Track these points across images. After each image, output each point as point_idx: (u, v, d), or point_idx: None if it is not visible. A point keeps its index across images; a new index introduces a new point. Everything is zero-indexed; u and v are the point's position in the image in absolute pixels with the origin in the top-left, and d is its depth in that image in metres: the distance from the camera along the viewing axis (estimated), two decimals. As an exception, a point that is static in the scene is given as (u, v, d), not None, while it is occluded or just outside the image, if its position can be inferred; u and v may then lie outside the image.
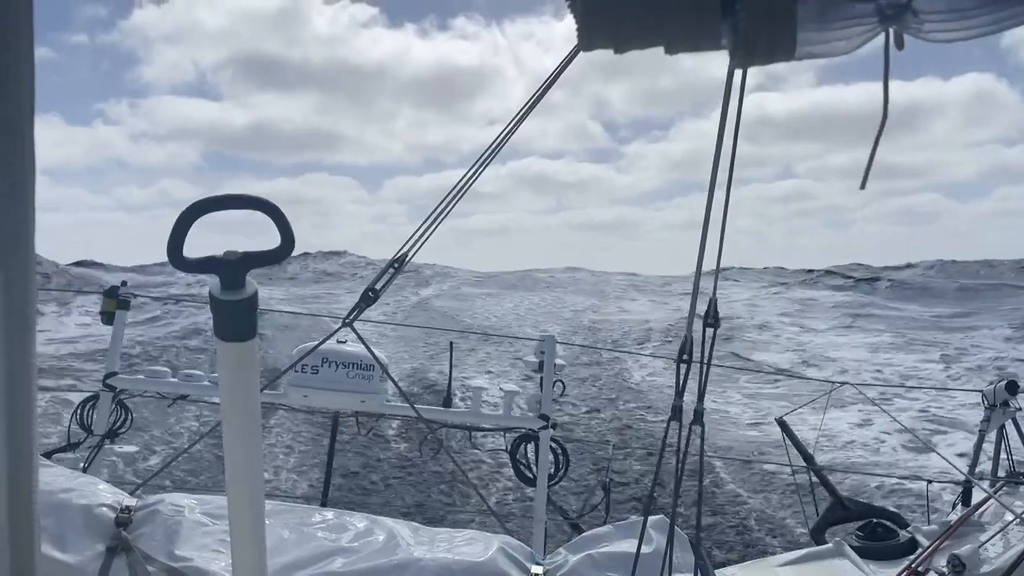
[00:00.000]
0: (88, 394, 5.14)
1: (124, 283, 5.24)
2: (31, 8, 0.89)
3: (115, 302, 5.07)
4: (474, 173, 3.31)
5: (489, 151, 3.15)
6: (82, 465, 4.61)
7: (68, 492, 3.12)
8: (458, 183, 3.44)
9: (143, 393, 5.26)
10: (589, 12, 1.20)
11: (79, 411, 5.03)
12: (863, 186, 1.70)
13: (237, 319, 1.48)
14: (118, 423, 5.08)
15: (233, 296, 1.44)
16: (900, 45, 1.47)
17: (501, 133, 3.07)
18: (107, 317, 5.10)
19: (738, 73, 1.89)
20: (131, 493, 3.43)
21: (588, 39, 1.23)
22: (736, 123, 1.79)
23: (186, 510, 3.22)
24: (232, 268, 1.43)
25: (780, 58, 1.22)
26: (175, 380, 5.26)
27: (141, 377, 5.25)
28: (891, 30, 1.43)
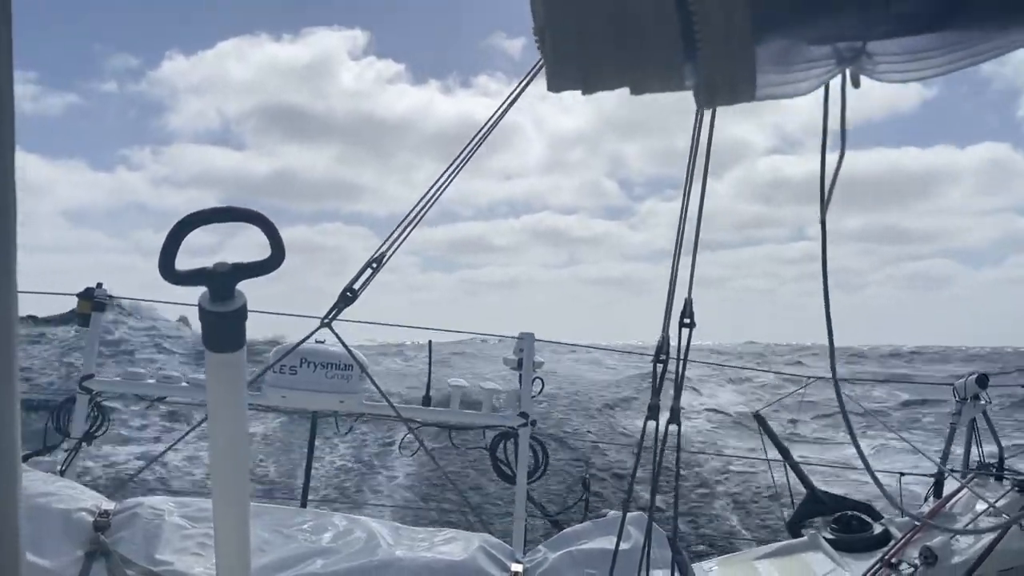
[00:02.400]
0: (65, 396, 5.10)
1: (100, 284, 5.20)
2: (9, 34, 0.89)
3: (90, 304, 5.02)
4: (449, 176, 3.33)
5: (456, 163, 3.19)
6: (59, 468, 4.57)
7: (46, 496, 3.10)
8: (433, 185, 3.47)
9: (120, 395, 5.22)
10: (557, 53, 1.23)
11: (56, 414, 4.99)
12: (824, 210, 1.79)
13: (226, 330, 1.49)
14: (95, 426, 5.04)
15: (222, 308, 1.46)
16: (856, 84, 1.53)
17: (463, 150, 3.10)
18: (82, 319, 5.05)
19: (707, 113, 1.95)
20: (109, 496, 3.42)
21: (556, 80, 1.26)
22: (707, 156, 1.87)
23: (165, 513, 3.21)
24: (222, 280, 1.44)
25: (742, 99, 1.26)
26: (152, 382, 5.23)
27: (118, 379, 5.21)
28: (847, 71, 1.48)
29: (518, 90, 2.68)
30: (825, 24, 1.29)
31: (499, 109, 2.89)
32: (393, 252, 3.89)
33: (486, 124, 3.08)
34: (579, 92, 1.30)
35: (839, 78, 1.52)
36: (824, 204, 1.81)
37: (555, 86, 1.29)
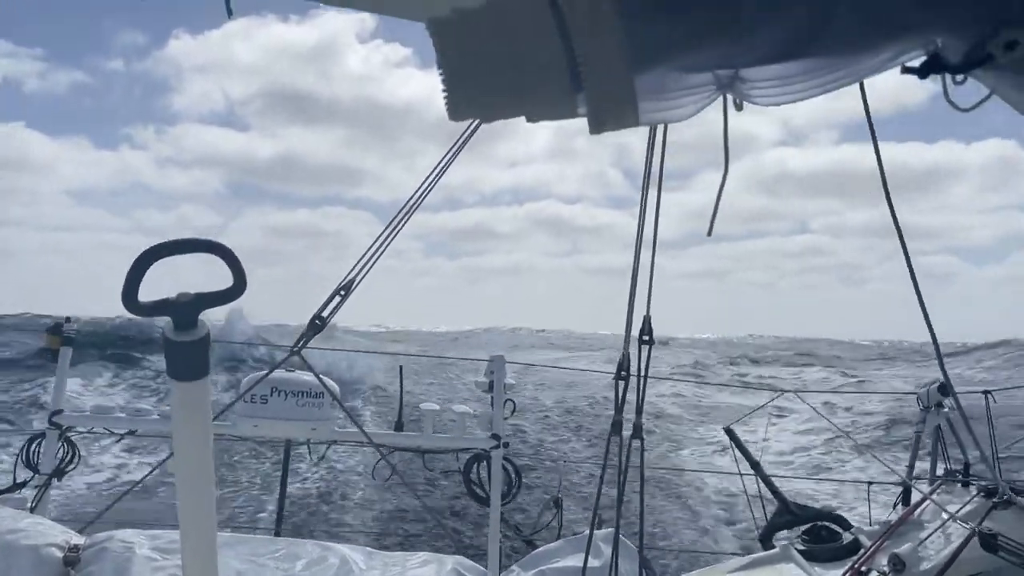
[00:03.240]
0: (34, 432, 5.05)
1: (68, 319, 5.17)
2: None
3: (59, 339, 4.99)
4: (415, 202, 3.38)
5: (415, 199, 3.27)
6: (29, 505, 4.53)
7: (15, 533, 3.08)
8: (402, 208, 3.52)
9: (91, 430, 5.18)
10: (454, 85, 1.31)
11: (25, 450, 4.94)
12: (710, 233, 1.92)
13: (190, 359, 1.52)
14: (65, 461, 4.99)
15: (186, 337, 1.49)
16: (739, 107, 1.64)
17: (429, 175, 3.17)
18: (51, 355, 5.02)
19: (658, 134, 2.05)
20: (79, 531, 3.40)
21: (455, 110, 1.34)
22: (659, 176, 1.95)
23: (135, 546, 3.20)
24: (185, 310, 1.47)
25: (627, 125, 1.35)
26: (123, 416, 5.20)
27: (88, 414, 5.18)
28: (728, 96, 1.59)
29: (452, 152, 2.80)
30: (698, 54, 1.39)
31: (436, 169, 3.02)
32: (361, 279, 3.93)
33: (424, 182, 3.20)
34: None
35: (721, 102, 1.64)
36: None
37: (455, 116, 1.38)
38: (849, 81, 1.43)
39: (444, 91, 1.34)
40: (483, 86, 1.33)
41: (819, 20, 1.33)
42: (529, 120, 1.37)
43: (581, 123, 1.52)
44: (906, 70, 1.42)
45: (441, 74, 1.33)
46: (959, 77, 1.46)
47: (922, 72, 1.40)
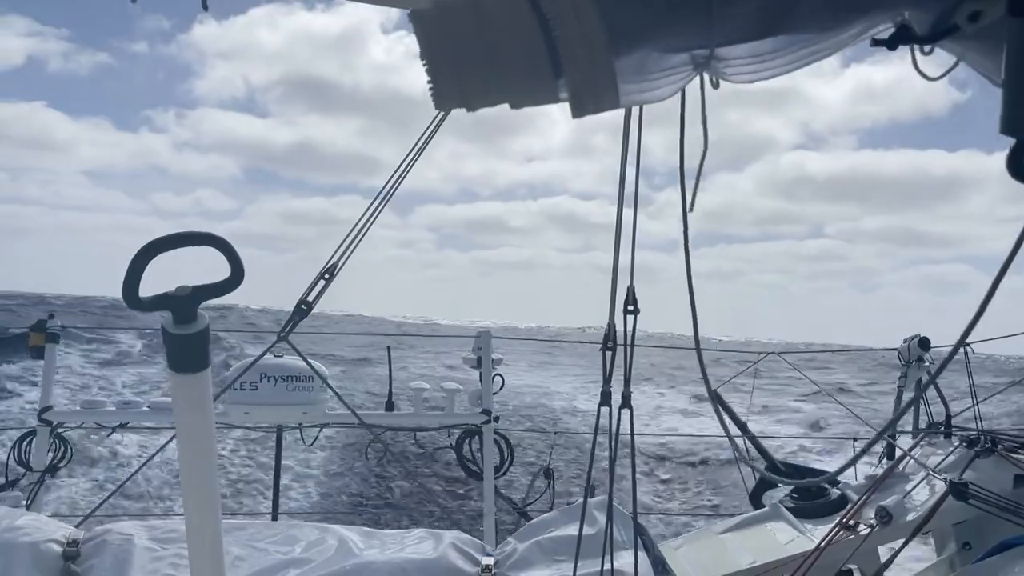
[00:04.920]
0: (25, 430, 5.05)
1: (51, 315, 5.15)
2: None
3: (44, 336, 4.98)
4: (390, 189, 3.40)
5: (389, 187, 3.28)
6: (24, 502, 4.54)
7: (12, 531, 3.09)
8: (379, 193, 3.53)
9: (81, 425, 5.18)
10: (437, 76, 1.34)
11: (17, 448, 4.94)
12: (691, 208, 1.97)
13: (190, 352, 1.54)
14: (57, 457, 5.00)
15: (185, 330, 1.51)
16: (715, 85, 1.68)
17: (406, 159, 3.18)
18: (36, 352, 5.00)
19: (635, 111, 2.08)
20: (77, 526, 3.41)
21: (440, 100, 1.37)
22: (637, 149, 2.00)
23: (134, 537, 3.21)
24: (184, 303, 1.49)
25: (607, 107, 1.38)
26: (113, 409, 5.20)
27: (77, 409, 5.17)
28: (705, 75, 1.62)
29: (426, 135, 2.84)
30: (673, 36, 1.42)
31: (413, 149, 3.04)
32: (344, 262, 3.95)
33: (403, 162, 3.22)
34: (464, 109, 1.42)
35: (698, 81, 1.68)
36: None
37: (441, 105, 1.41)
38: (822, 55, 1.47)
39: (428, 81, 1.37)
40: (466, 76, 1.35)
41: None
42: (513, 107, 1.40)
43: (600, 118, 1.55)
44: (876, 42, 1.45)
45: (425, 65, 1.35)
46: (927, 48, 1.50)
47: (891, 44, 1.43)
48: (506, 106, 1.42)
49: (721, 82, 1.68)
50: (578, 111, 1.39)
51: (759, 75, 1.52)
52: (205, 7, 1.95)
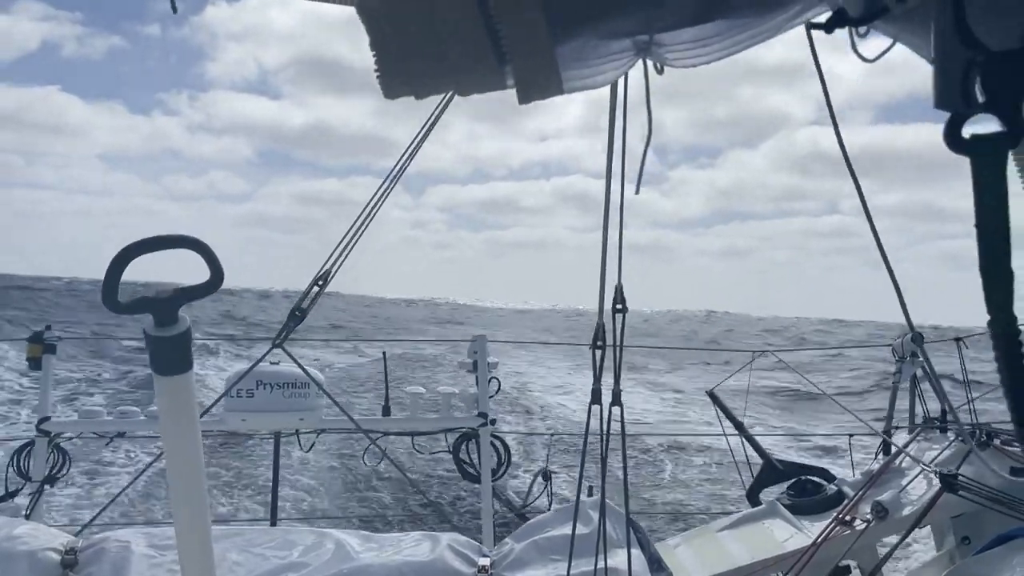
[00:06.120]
0: (23, 441, 5.06)
1: (48, 327, 5.17)
2: None
3: (41, 347, 4.99)
4: (386, 189, 3.41)
5: (392, 176, 3.29)
6: (24, 513, 4.55)
7: (11, 540, 3.10)
8: (371, 198, 3.54)
9: (79, 435, 5.19)
10: (385, 65, 1.37)
11: (15, 458, 4.95)
12: (636, 191, 2.01)
13: (172, 354, 1.56)
14: (56, 467, 5.01)
15: (167, 332, 1.52)
16: (660, 71, 1.72)
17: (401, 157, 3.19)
18: (34, 363, 5.01)
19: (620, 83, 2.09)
20: (76, 534, 3.42)
21: (388, 88, 1.40)
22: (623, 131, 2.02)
23: (133, 544, 3.22)
24: (164, 306, 1.51)
25: (552, 94, 1.42)
26: (110, 419, 5.21)
27: (75, 418, 5.18)
28: (647, 60, 1.65)
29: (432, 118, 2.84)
30: (614, 22, 1.45)
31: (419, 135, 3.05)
32: (337, 269, 3.96)
33: (410, 146, 3.22)
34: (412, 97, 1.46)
35: (641, 66, 1.71)
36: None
37: (389, 94, 1.44)
38: (761, 39, 1.50)
39: (376, 71, 1.39)
40: (413, 65, 1.38)
41: None
42: (459, 94, 1.43)
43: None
44: (813, 26, 1.49)
45: (373, 55, 1.38)
46: (862, 30, 1.53)
47: (828, 27, 1.48)
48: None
49: (665, 68, 1.71)
50: (524, 98, 1.42)
51: (700, 59, 1.55)
52: (174, 8, 1.96)
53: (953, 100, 1.07)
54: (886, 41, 1.61)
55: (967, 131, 1.02)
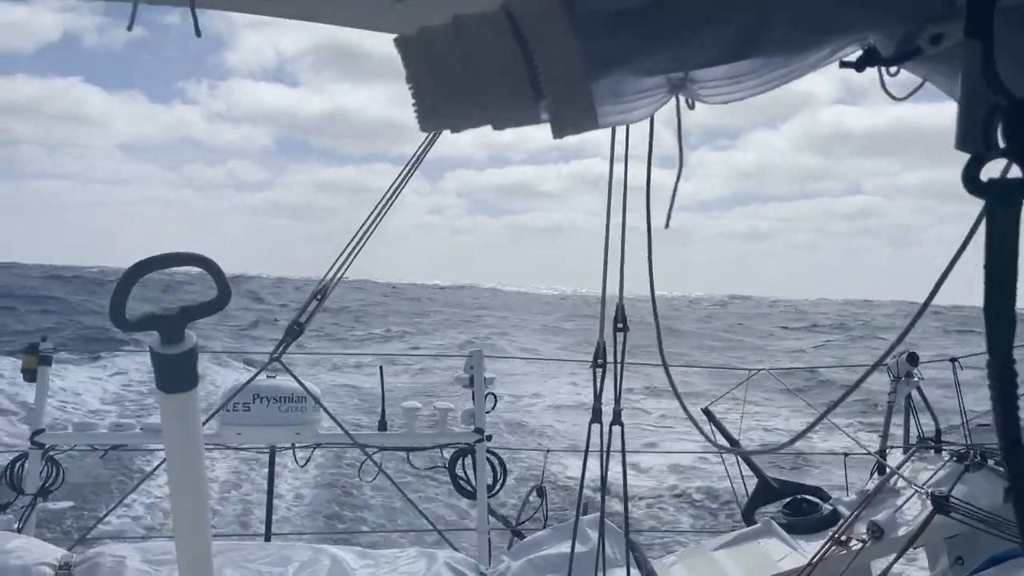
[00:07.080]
0: (16, 453, 5.03)
1: (44, 338, 5.15)
2: None
3: (36, 359, 4.97)
4: (382, 209, 3.43)
5: (387, 198, 3.32)
6: (16, 526, 4.52)
7: (5, 554, 3.09)
8: (370, 215, 3.56)
9: (74, 447, 5.17)
10: (422, 99, 1.39)
11: (8, 471, 4.92)
12: (667, 225, 2.04)
13: (178, 372, 1.56)
14: (49, 480, 4.98)
15: (173, 350, 1.53)
16: (691, 107, 1.76)
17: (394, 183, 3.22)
18: (29, 375, 4.99)
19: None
20: (70, 548, 3.41)
21: (424, 122, 1.42)
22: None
23: (127, 559, 3.22)
24: (171, 323, 1.51)
25: (586, 129, 1.45)
26: (105, 431, 5.19)
27: (70, 431, 5.16)
28: (680, 96, 1.68)
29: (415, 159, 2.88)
30: (649, 60, 1.47)
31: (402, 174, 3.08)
32: (336, 283, 3.97)
33: (394, 183, 3.26)
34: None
35: (674, 102, 1.74)
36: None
37: (426, 128, 1.46)
38: (793, 77, 1.52)
39: (414, 104, 1.41)
40: (450, 99, 1.40)
41: (759, 24, 1.41)
42: (495, 128, 1.45)
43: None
44: (844, 64, 1.50)
45: (410, 88, 1.40)
46: (892, 69, 1.55)
47: (858, 66, 1.49)
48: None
49: (696, 103, 1.75)
50: (558, 133, 1.44)
51: (732, 96, 1.58)
52: (198, 32, 1.99)
53: (974, 142, 1.09)
54: (914, 80, 1.63)
55: (985, 175, 1.04)
